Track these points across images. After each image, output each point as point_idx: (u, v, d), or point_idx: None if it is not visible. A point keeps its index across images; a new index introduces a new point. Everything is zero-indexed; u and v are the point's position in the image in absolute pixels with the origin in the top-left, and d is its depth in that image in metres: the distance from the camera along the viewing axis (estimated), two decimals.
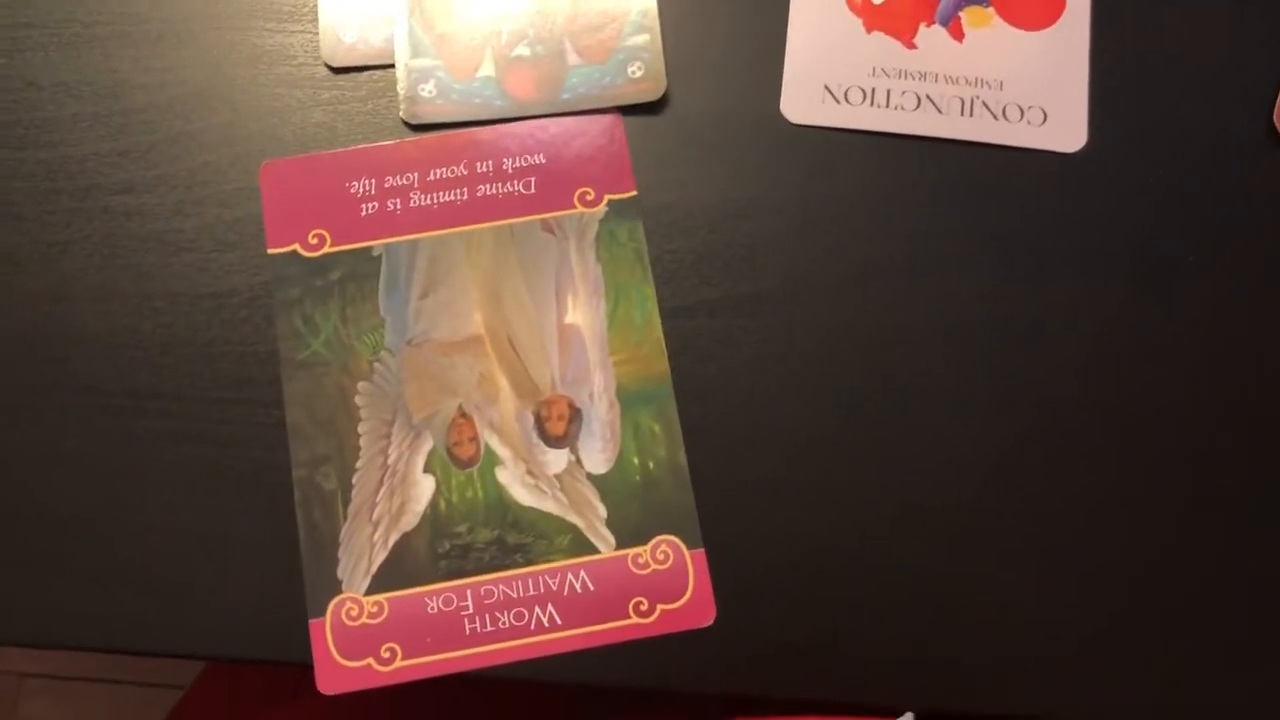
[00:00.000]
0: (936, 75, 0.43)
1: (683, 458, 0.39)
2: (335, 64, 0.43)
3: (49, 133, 0.42)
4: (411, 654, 0.37)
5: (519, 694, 0.37)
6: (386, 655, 0.37)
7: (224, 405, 0.40)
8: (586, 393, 0.40)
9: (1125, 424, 0.40)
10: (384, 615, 0.38)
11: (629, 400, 0.40)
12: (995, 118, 0.42)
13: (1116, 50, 0.43)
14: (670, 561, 0.38)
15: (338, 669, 0.37)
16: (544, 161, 0.42)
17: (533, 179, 0.42)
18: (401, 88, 0.42)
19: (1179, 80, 0.43)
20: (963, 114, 0.43)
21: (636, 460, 0.39)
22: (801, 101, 0.43)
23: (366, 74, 0.43)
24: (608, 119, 0.42)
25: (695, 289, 0.41)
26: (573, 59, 0.43)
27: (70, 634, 0.38)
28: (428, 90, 0.42)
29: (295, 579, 0.38)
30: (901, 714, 0.36)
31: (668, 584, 0.38)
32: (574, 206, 0.41)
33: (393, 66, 0.43)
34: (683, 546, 0.38)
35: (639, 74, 0.42)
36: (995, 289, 0.41)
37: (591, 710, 0.39)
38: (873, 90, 0.43)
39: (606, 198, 0.41)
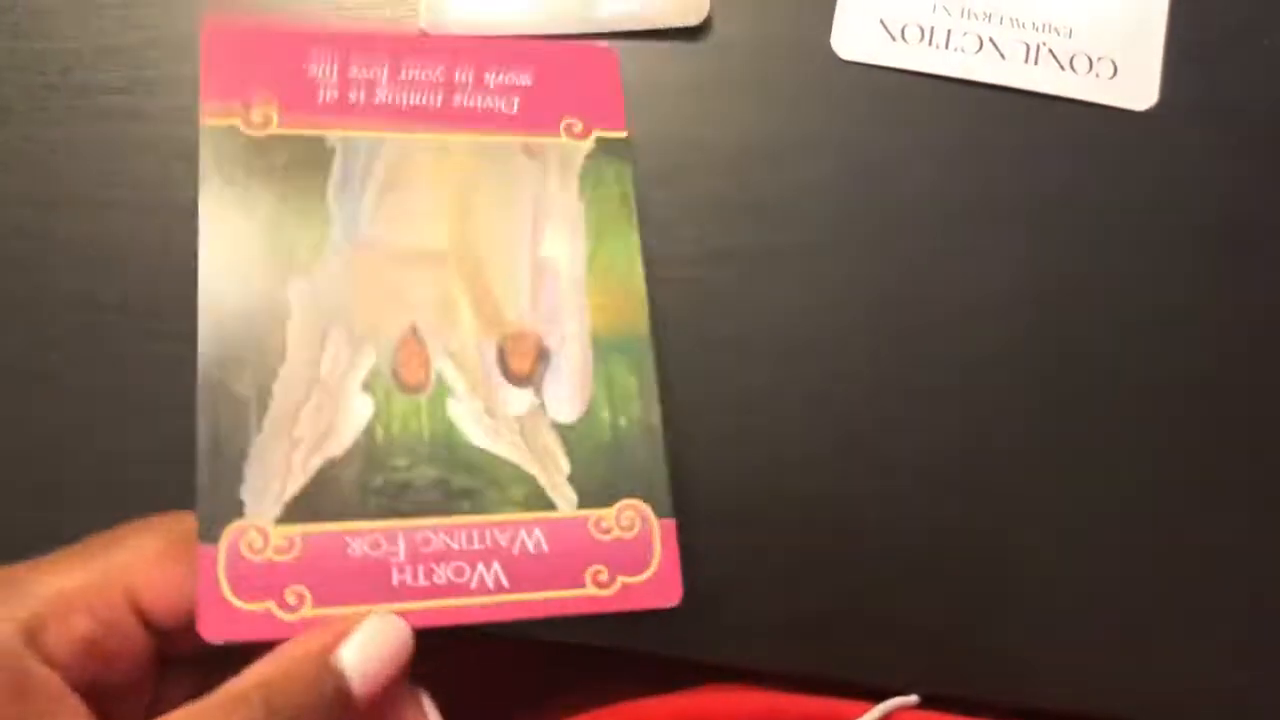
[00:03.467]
0: (1002, 17, 0.41)
1: (658, 419, 0.35)
2: None
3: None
4: (324, 602, 0.30)
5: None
6: (292, 601, 0.30)
7: None
8: (558, 334, 0.35)
9: (1184, 402, 0.37)
10: (294, 552, 0.31)
11: (604, 348, 0.35)
12: (1061, 68, 0.41)
13: (1198, 1, 0.41)
14: (636, 530, 0.34)
15: (228, 611, 0.29)
16: (530, 83, 0.38)
17: (516, 98, 0.37)
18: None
19: (1265, 37, 0.41)
20: (1026, 61, 0.41)
21: (607, 415, 0.35)
22: (854, 36, 0.40)
23: None
24: (600, 50, 0.39)
25: (715, 235, 0.38)
26: None
27: None
28: None
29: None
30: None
31: (631, 554, 0.33)
32: (559, 134, 0.37)
33: None
34: (651, 514, 0.34)
35: None
36: (1047, 256, 0.39)
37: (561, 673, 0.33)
38: (932, 29, 0.41)
39: (595, 133, 0.38)
